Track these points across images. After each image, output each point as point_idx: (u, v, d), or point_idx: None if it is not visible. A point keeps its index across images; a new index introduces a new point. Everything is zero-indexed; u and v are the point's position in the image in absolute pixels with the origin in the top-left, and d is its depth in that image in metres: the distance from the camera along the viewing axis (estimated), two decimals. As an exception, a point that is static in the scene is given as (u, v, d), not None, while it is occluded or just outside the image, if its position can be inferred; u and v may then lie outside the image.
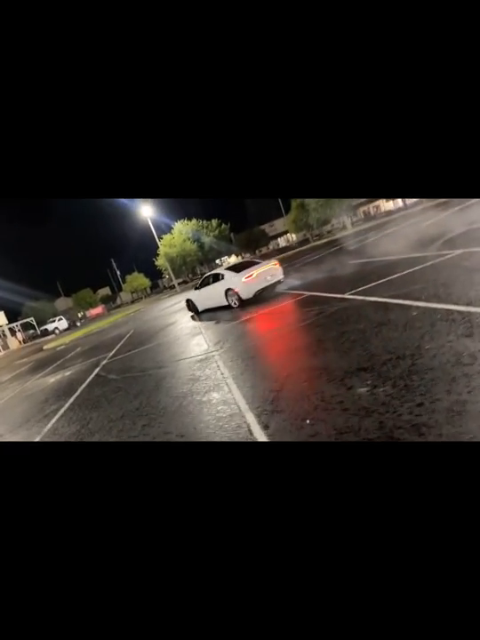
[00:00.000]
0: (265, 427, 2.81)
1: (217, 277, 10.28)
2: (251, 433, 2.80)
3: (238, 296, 9.39)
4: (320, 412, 2.73)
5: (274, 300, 8.70)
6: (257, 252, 53.06)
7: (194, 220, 42.84)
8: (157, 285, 76.27)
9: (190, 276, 50.11)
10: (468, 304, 3.79)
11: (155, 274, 57.00)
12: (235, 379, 4.14)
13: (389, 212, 39.21)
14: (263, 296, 9.46)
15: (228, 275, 9.85)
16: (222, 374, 4.44)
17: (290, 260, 20.49)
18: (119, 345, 10.71)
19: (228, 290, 9.65)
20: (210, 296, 10.57)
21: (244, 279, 9.25)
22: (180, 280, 49.07)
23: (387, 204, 55.04)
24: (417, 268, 6.35)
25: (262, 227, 56.64)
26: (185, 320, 11.10)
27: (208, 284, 10.66)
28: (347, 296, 6.19)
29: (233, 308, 9.68)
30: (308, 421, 2.67)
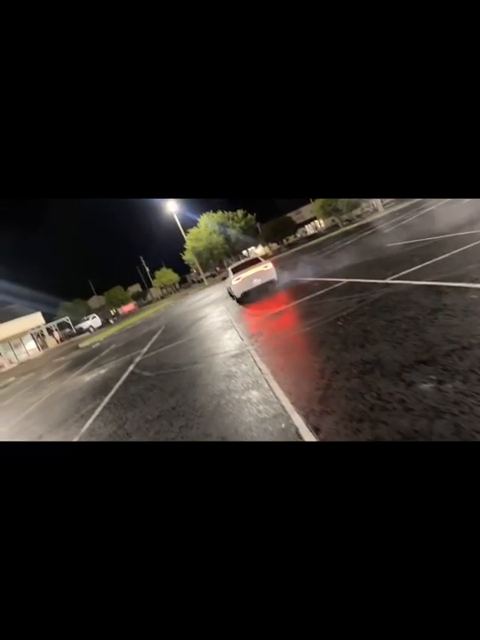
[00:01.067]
0: (315, 430, 2.53)
1: (228, 274, 11.61)
2: (299, 437, 2.52)
3: (232, 294, 10.79)
4: (379, 413, 2.41)
5: (308, 288, 8.31)
6: (285, 240, 52.22)
7: (219, 213, 42.55)
8: (186, 280, 76.95)
9: (217, 268, 50.03)
10: None
11: (183, 268, 57.35)
12: (274, 375, 3.86)
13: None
14: (296, 285, 9.13)
15: (230, 275, 11.03)
16: (260, 370, 4.18)
17: (320, 248, 19.88)
18: (151, 341, 10.69)
19: (228, 288, 10.91)
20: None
21: (234, 281, 10.42)
22: (208, 274, 49.15)
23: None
24: (468, 246, 5.79)
25: (289, 214, 55.62)
26: (216, 314, 10.93)
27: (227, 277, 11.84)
28: (389, 281, 5.74)
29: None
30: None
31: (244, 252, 48.76)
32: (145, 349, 9.60)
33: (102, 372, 9.20)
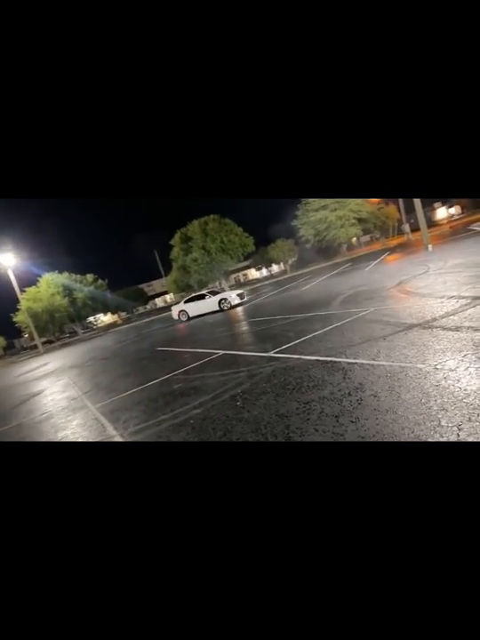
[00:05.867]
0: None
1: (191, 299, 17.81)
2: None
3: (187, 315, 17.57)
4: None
5: (179, 359, 7.38)
6: (134, 311, 50.79)
7: (65, 274, 38.86)
8: (14, 346, 65.36)
9: (57, 334, 44.18)
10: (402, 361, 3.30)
11: (12, 332, 48.53)
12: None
13: (257, 280, 42.65)
14: (163, 355, 8.12)
15: (182, 303, 17.99)
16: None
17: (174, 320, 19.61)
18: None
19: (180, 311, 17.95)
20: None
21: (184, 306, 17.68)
22: (45, 339, 42.69)
23: (254, 273, 61.18)
24: (336, 324, 6.04)
25: (141, 286, 55.20)
26: (57, 388, 8.74)
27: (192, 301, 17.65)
28: (274, 354, 5.39)
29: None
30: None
31: (91, 319, 44.95)
32: None
33: None
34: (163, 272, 53.65)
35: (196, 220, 34.14)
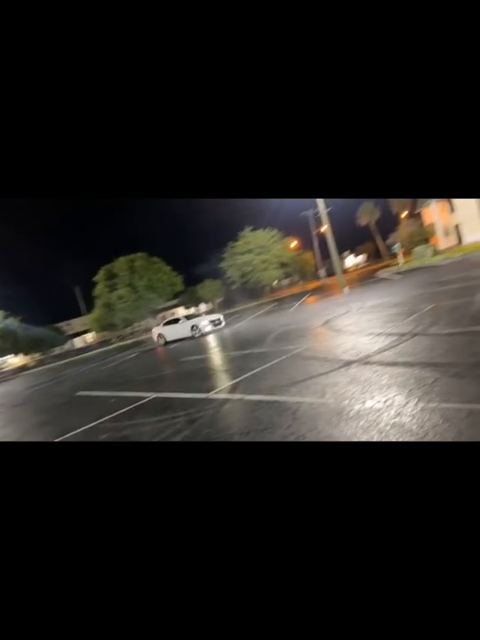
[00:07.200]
0: None
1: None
2: None
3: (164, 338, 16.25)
4: None
5: (104, 405, 6.60)
6: (49, 351, 46.48)
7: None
8: None
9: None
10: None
11: None
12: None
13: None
14: (85, 401, 7.25)
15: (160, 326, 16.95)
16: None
17: (101, 359, 18.17)
18: None
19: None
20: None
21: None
22: None
23: (182, 312, 60.86)
24: (274, 361, 5.96)
25: (58, 325, 51.10)
26: None
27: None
28: (214, 395, 5.05)
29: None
30: None
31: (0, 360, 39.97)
32: None
33: None
34: (83, 309, 50.64)
35: (122, 256, 33.22)
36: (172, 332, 16.07)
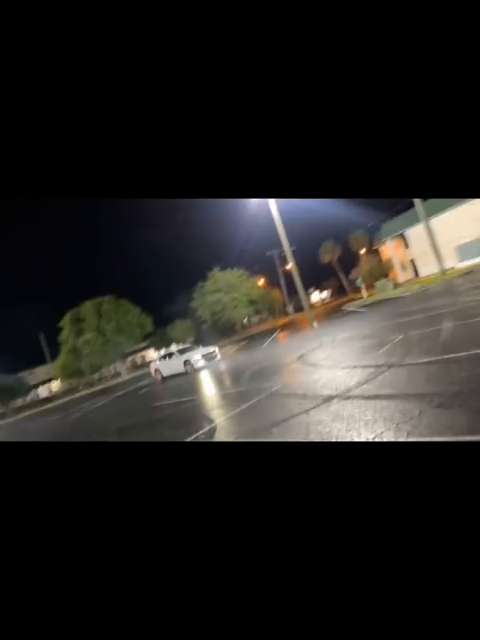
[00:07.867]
0: None
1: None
2: None
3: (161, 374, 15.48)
4: None
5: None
6: (10, 403, 43.51)
7: None
8: None
9: None
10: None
11: None
12: None
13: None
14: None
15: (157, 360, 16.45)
16: None
17: (67, 409, 17.12)
18: None
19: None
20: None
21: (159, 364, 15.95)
22: None
23: (153, 354, 59.58)
24: (251, 401, 5.74)
25: (20, 374, 48.33)
26: None
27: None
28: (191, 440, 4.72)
29: None
30: None
31: None
32: None
33: None
34: (48, 356, 48.39)
35: (88, 300, 32.49)
36: (166, 368, 15.25)
